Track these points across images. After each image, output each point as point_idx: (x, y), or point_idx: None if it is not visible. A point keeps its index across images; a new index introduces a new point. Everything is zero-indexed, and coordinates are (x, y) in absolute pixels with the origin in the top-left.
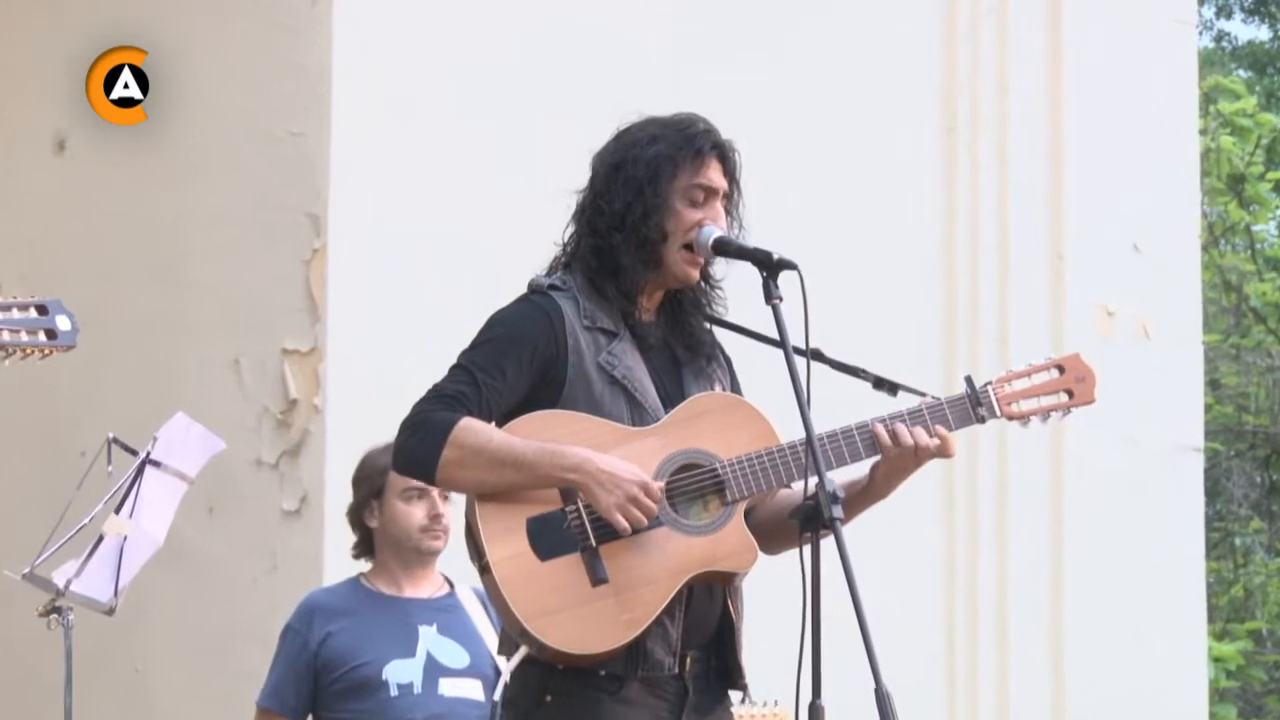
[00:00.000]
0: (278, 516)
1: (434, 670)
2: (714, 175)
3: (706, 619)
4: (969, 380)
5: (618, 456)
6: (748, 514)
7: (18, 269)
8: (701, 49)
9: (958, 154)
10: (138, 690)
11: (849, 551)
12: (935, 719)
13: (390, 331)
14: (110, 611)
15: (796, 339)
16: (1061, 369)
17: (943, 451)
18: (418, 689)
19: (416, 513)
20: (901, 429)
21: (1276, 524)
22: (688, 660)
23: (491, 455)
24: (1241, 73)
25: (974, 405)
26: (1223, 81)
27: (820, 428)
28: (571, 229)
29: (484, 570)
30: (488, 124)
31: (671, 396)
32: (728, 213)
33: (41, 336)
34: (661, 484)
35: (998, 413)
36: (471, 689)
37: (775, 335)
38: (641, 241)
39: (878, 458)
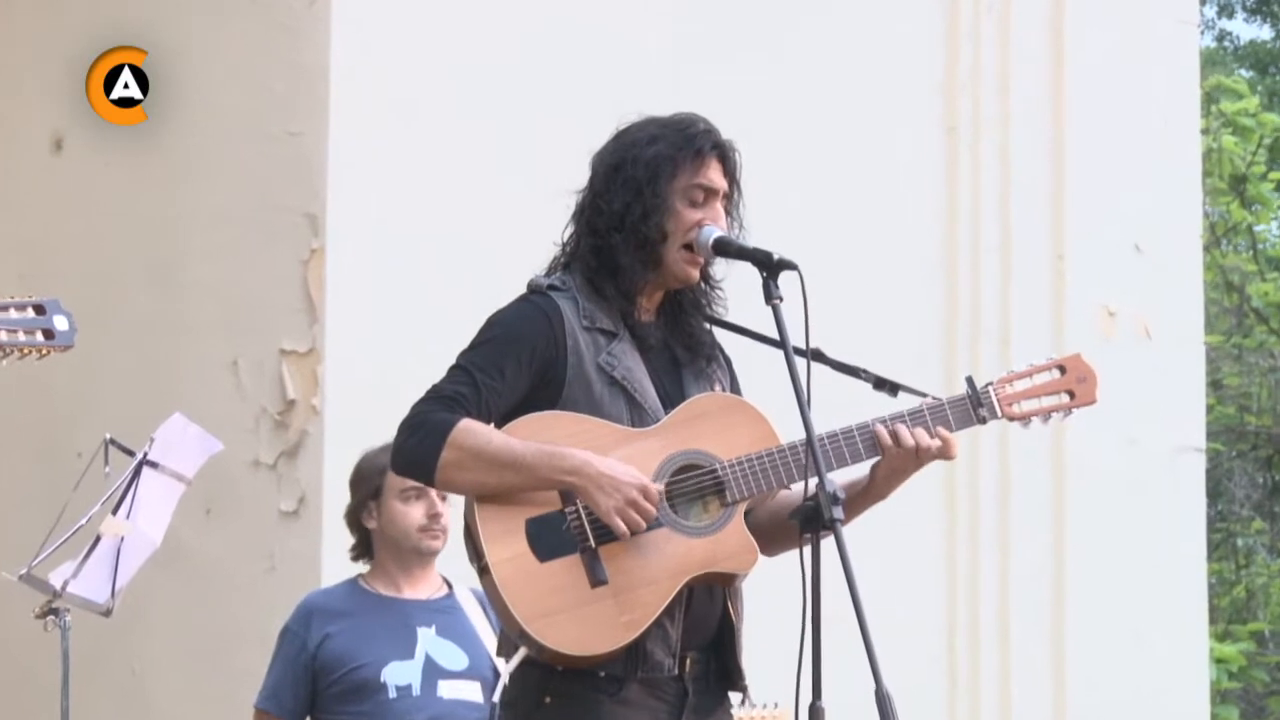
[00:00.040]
0: (275, 517)
1: (433, 672)
2: (714, 175)
3: (706, 620)
4: (970, 381)
5: (617, 458)
6: (747, 515)
7: (16, 269)
8: (701, 49)
9: (959, 154)
10: (135, 692)
11: (849, 552)
12: None
13: (389, 332)
14: (107, 613)
15: (797, 339)
16: (1063, 369)
17: (944, 453)
18: (416, 691)
19: (415, 513)
20: (902, 430)
21: (1278, 525)
22: (687, 661)
23: (491, 457)
24: (1243, 72)
25: (975, 406)
26: (1225, 81)
27: (820, 428)
28: (571, 229)
29: (483, 571)
30: (487, 124)
31: (671, 397)
32: (728, 213)
33: (39, 336)
34: (661, 486)
35: (999, 413)
36: (470, 691)
37: (775, 335)
38: (641, 242)
39: (878, 458)
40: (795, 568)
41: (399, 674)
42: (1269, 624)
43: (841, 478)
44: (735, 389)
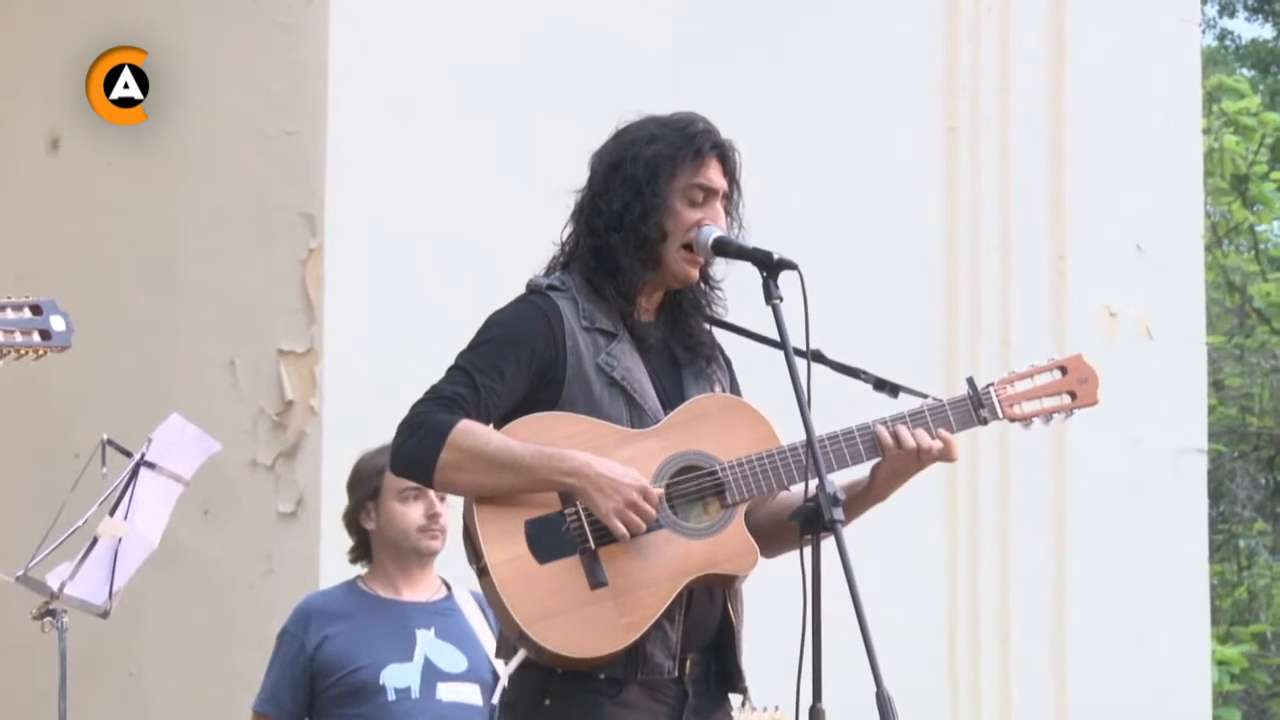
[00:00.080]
0: (273, 519)
1: (431, 675)
2: (713, 175)
3: (706, 622)
4: (971, 382)
5: (617, 459)
6: (747, 516)
7: (14, 269)
8: (701, 49)
9: (959, 154)
10: (132, 694)
11: (850, 553)
12: None
13: (387, 332)
14: (105, 614)
15: (797, 340)
16: (1064, 370)
17: (945, 455)
18: (415, 693)
19: (414, 513)
20: (903, 431)
21: None
22: (687, 663)
23: (490, 458)
24: (1245, 71)
25: (976, 407)
26: (1226, 80)
27: (821, 429)
28: (570, 229)
29: (482, 573)
30: (486, 123)
31: (671, 398)
32: (727, 213)
33: (36, 337)
34: (661, 487)
35: (1000, 414)
36: (469, 693)
37: (775, 336)
38: (640, 241)
39: (878, 460)
40: (795, 569)
41: (398, 676)
42: (1271, 626)
43: (841, 479)
44: (735, 389)
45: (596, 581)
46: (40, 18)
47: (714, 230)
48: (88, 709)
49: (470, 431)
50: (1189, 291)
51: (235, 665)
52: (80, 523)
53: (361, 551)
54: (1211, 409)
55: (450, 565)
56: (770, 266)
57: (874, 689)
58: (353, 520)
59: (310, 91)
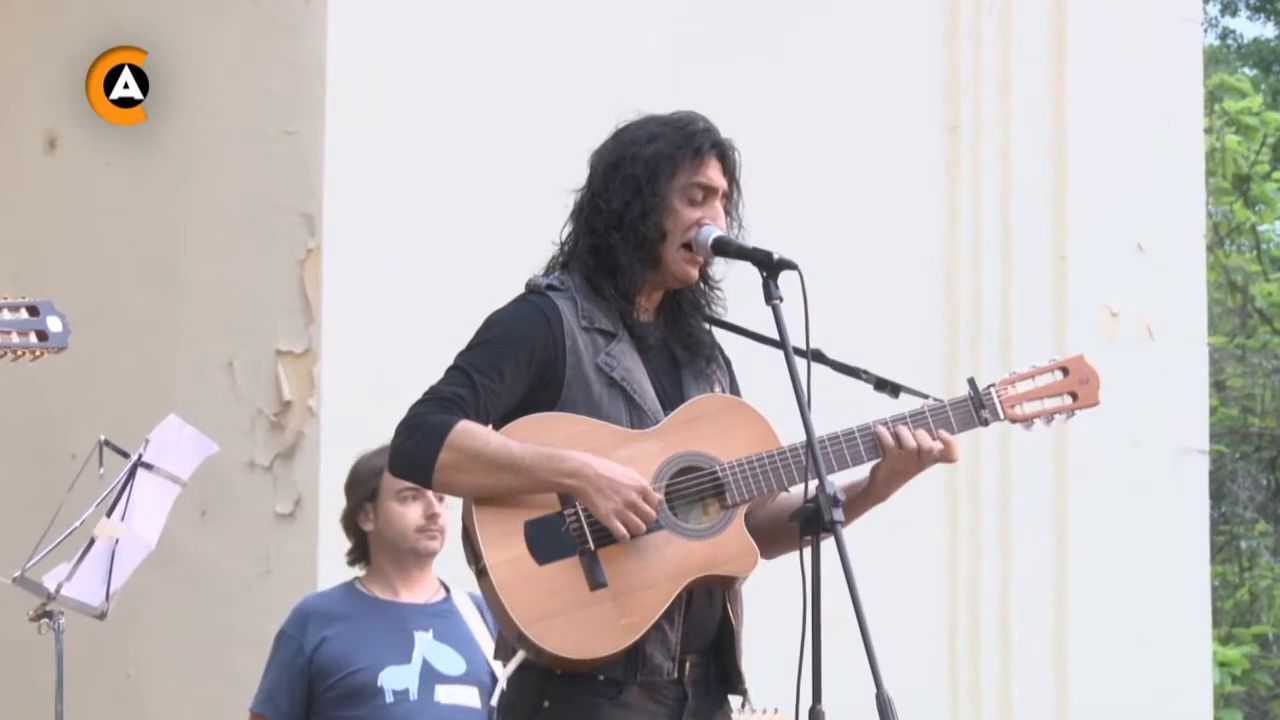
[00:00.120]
0: (271, 520)
1: (430, 677)
2: (713, 174)
3: (706, 623)
4: (972, 382)
5: (617, 459)
6: (747, 517)
7: (12, 269)
8: (701, 49)
9: (960, 153)
10: (130, 695)
11: (850, 554)
12: None
13: (385, 333)
14: (102, 615)
15: (797, 340)
16: (1065, 371)
17: (946, 455)
18: (413, 696)
19: (412, 513)
20: (904, 431)
21: None
22: (687, 665)
23: (489, 459)
24: (1247, 70)
25: (977, 408)
26: (1228, 79)
27: (821, 430)
28: (569, 228)
29: (481, 574)
30: (485, 123)
31: (671, 398)
32: (727, 212)
33: (32, 338)
34: (661, 488)
35: (1001, 415)
36: (468, 696)
37: (775, 336)
38: (640, 241)
39: (879, 460)
40: (795, 570)
41: (396, 678)
42: (1272, 627)
43: (841, 479)
44: (735, 390)
45: (596, 582)
46: (40, 18)
47: (714, 230)
48: (85, 710)
49: (469, 432)
50: (1190, 292)
51: (233, 666)
52: (77, 524)
53: (359, 553)
54: (1213, 409)
55: (449, 566)
56: (770, 266)
57: (874, 690)
58: (351, 522)
59: (309, 91)
